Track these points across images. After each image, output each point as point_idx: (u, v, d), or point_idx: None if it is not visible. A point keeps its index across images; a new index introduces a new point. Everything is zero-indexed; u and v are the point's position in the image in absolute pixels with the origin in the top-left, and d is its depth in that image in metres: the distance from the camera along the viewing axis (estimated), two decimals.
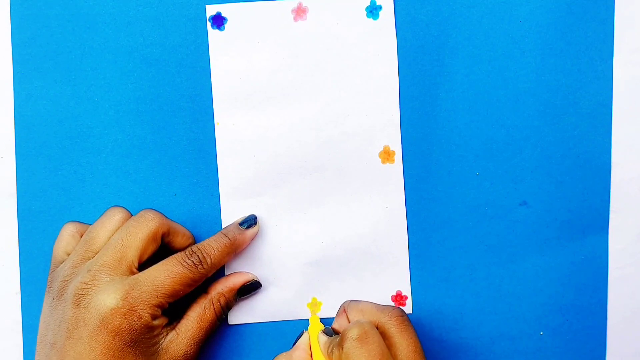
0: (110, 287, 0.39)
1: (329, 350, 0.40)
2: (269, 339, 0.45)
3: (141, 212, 0.42)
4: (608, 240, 0.45)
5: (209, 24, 0.44)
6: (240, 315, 0.45)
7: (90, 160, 0.44)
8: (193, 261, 0.41)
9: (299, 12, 0.44)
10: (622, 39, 0.44)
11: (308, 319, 0.44)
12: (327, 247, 0.45)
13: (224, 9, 0.44)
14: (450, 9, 0.44)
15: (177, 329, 0.41)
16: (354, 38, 0.44)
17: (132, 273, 0.40)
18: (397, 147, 0.44)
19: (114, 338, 0.38)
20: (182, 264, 0.40)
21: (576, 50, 0.44)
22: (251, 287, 0.44)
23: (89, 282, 0.39)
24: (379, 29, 0.44)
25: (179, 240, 0.43)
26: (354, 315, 0.42)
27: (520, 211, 0.45)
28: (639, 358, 0.45)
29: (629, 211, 0.45)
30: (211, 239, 0.43)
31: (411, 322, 0.40)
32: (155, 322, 0.39)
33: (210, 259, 0.41)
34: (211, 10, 0.44)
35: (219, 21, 0.44)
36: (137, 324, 0.38)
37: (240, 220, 0.44)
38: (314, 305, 0.45)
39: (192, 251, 0.41)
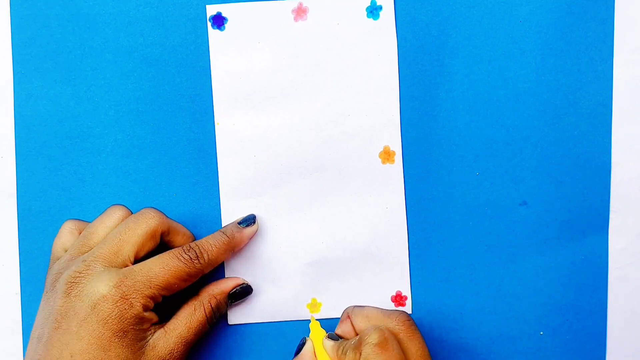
0: (104, 276, 0.39)
1: (340, 353, 0.40)
2: (268, 339, 0.45)
3: (142, 210, 0.42)
4: (608, 240, 0.45)
5: (209, 23, 0.44)
6: (240, 315, 0.45)
7: (90, 160, 0.44)
8: (190, 256, 0.41)
9: (299, 12, 0.44)
10: (622, 39, 0.44)
11: (308, 320, 0.44)
12: (327, 248, 0.45)
13: (224, 9, 0.44)
14: (450, 9, 0.44)
15: (165, 327, 0.41)
16: (354, 38, 0.44)
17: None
18: (397, 147, 0.44)
19: (103, 327, 0.38)
20: (178, 258, 0.40)
21: (576, 50, 0.44)
22: (242, 292, 0.44)
23: (82, 272, 0.39)
24: (379, 29, 0.44)
25: (179, 240, 0.43)
26: (359, 321, 0.41)
27: (520, 211, 0.45)
28: (639, 358, 0.45)
29: (629, 211, 0.45)
30: (209, 236, 0.43)
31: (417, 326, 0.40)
32: (146, 314, 0.39)
33: (208, 255, 0.41)
34: (211, 10, 0.44)
35: (219, 21, 0.44)
36: (128, 312, 0.38)
37: (239, 220, 0.44)
38: (314, 305, 0.45)
39: (190, 247, 0.41)
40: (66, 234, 0.43)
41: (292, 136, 0.44)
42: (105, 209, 0.43)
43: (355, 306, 0.43)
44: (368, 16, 0.44)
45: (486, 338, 0.45)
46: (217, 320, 0.43)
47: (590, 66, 0.44)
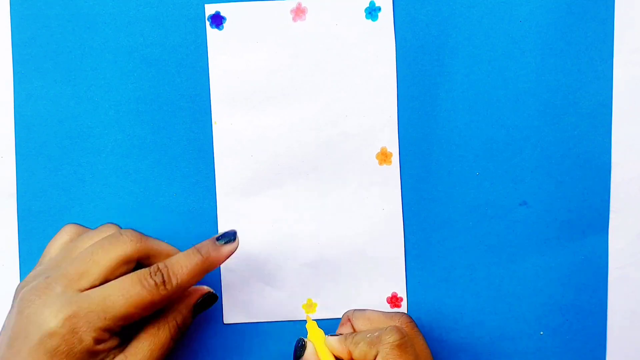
0: (57, 303, 0.36)
1: (350, 343, 0.38)
2: (263, 339, 0.45)
3: (124, 231, 0.39)
4: (608, 240, 0.45)
5: (207, 23, 0.44)
6: (235, 314, 0.45)
7: (90, 160, 0.45)
8: (155, 281, 0.37)
9: (298, 12, 0.44)
10: (622, 39, 0.44)
11: (303, 321, 0.44)
12: (323, 248, 0.45)
13: (222, 8, 0.44)
14: (450, 10, 0.44)
15: (126, 352, 0.37)
16: (352, 39, 0.44)
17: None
18: (394, 148, 0.44)
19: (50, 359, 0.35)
20: (141, 283, 0.37)
21: (576, 50, 0.44)
22: (207, 301, 0.41)
23: (40, 290, 0.36)
24: (378, 30, 0.44)
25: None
26: (360, 324, 0.41)
27: (520, 211, 0.45)
28: (639, 358, 0.45)
29: (629, 211, 0.44)
30: (182, 254, 0.39)
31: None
32: (99, 347, 0.36)
33: (177, 279, 0.37)
34: (210, 9, 0.44)
35: (217, 20, 0.44)
36: (76, 347, 0.35)
37: (218, 235, 0.40)
38: (309, 306, 0.45)
39: (158, 268, 0.37)
40: (63, 238, 0.41)
41: (290, 136, 0.44)
42: (101, 221, 0.43)
43: (355, 310, 0.43)
44: (367, 17, 0.44)
45: (486, 338, 0.45)
46: (182, 336, 0.40)
47: (590, 66, 0.44)
